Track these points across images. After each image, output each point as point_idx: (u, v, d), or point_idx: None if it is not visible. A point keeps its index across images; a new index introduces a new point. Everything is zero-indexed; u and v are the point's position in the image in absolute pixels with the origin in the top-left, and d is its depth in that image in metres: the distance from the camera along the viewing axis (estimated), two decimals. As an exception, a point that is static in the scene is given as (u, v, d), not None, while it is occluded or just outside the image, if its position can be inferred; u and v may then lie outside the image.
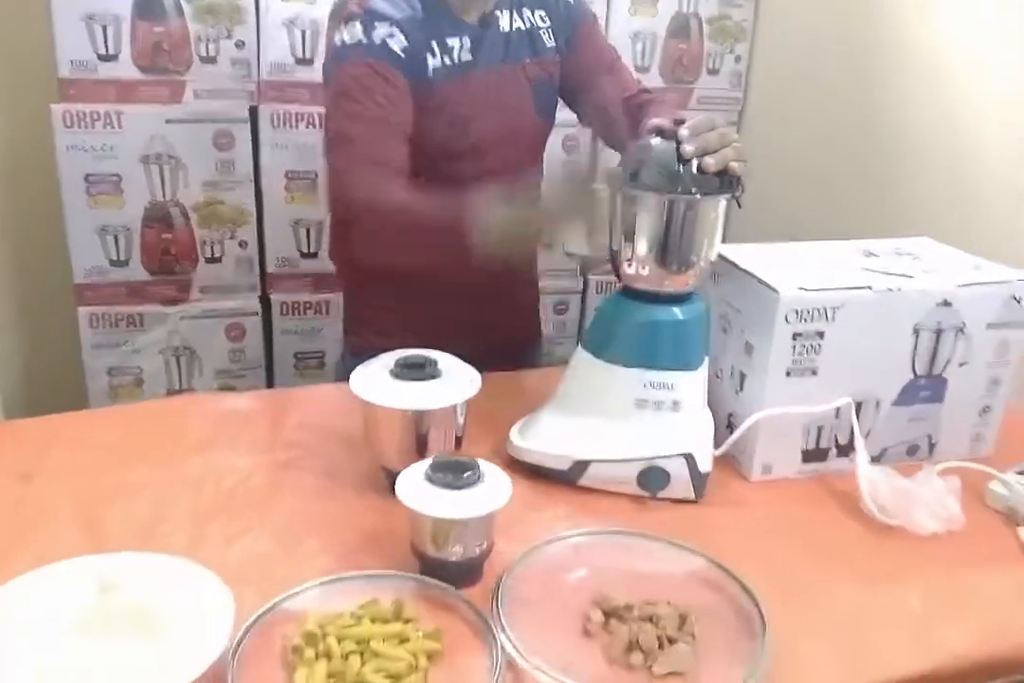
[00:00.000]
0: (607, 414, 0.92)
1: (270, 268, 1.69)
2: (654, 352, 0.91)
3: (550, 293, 1.78)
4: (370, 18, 1.07)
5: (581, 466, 0.93)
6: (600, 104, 1.22)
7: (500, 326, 1.26)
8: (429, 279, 1.14)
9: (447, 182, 1.06)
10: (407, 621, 0.70)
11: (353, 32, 1.07)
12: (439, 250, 1.01)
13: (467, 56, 1.13)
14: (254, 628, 0.68)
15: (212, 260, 1.65)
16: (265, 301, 1.71)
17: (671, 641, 0.69)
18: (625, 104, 1.22)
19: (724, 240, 1.03)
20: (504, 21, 1.18)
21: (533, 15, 1.21)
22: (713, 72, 1.85)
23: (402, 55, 1.06)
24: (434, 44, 1.10)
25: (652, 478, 0.91)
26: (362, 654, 0.66)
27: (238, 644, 0.66)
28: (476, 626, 0.71)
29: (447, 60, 1.11)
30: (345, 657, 0.65)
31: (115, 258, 1.59)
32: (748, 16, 1.82)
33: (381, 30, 1.06)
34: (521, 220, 0.97)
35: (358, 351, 1.17)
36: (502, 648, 0.67)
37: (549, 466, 0.94)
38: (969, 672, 0.73)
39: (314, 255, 1.69)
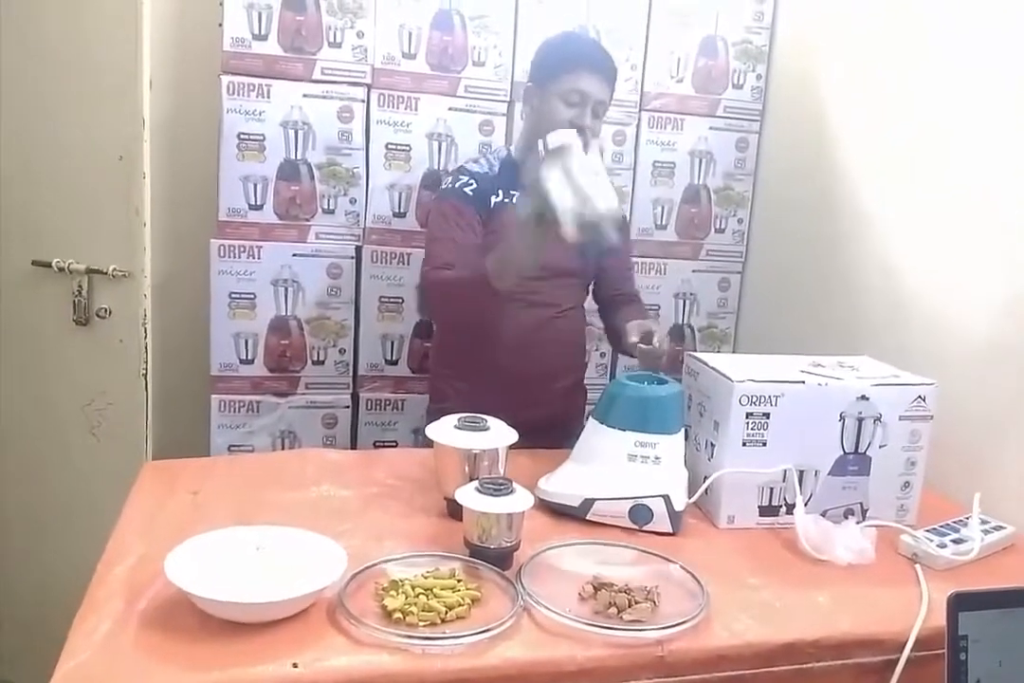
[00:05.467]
0: (608, 465, 1.25)
1: (361, 371, 2.01)
2: (642, 420, 1.24)
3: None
4: (457, 173, 1.66)
5: (588, 503, 1.24)
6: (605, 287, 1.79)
7: (545, 410, 1.64)
8: (493, 371, 1.56)
9: None
10: (458, 580, 1.02)
11: (447, 181, 1.66)
12: (478, 299, 1.48)
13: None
14: (357, 576, 1.01)
15: (317, 362, 1.98)
16: (355, 397, 2.01)
17: (638, 602, 1.00)
18: (620, 296, 1.80)
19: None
20: None
21: None
22: (720, 231, 2.16)
23: (471, 195, 1.61)
24: (500, 191, 1.63)
25: (639, 513, 1.23)
26: (427, 594, 0.99)
27: (346, 585, 0.99)
28: (505, 588, 1.02)
29: (507, 199, 1.63)
30: (416, 595, 0.98)
31: (244, 357, 1.93)
32: (747, 188, 2.17)
33: (462, 180, 1.63)
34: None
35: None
36: (521, 597, 0.99)
37: (566, 503, 1.26)
38: (850, 645, 1.00)
39: (396, 362, 2.02)
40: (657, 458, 1.23)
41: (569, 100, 1.57)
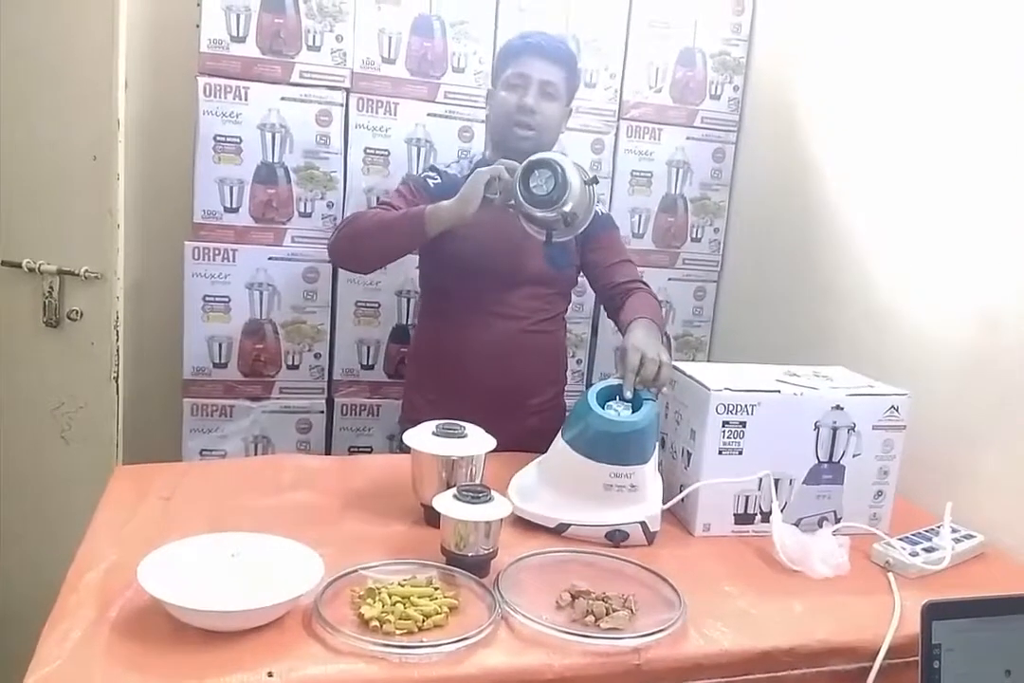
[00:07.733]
0: (583, 492, 1.24)
1: (336, 376, 2.00)
2: (617, 454, 1.22)
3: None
4: (429, 168, 1.70)
5: (564, 526, 1.23)
6: (600, 285, 1.71)
7: (519, 427, 1.58)
8: (463, 384, 1.55)
9: (465, 292, 1.60)
10: (435, 588, 1.02)
11: (417, 172, 1.73)
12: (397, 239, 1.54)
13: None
14: (333, 584, 1.00)
15: (292, 367, 1.96)
16: (330, 402, 2.00)
17: (615, 611, 1.00)
18: (616, 287, 1.67)
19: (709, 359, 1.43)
20: None
21: None
22: (696, 240, 2.20)
23: (433, 187, 1.62)
24: None
25: (616, 536, 1.22)
26: (404, 603, 0.98)
27: (322, 592, 0.98)
28: (482, 596, 1.02)
29: None
30: (393, 603, 0.98)
31: (217, 361, 1.91)
32: (724, 198, 2.19)
33: (429, 174, 1.68)
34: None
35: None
36: (499, 606, 0.99)
37: (541, 524, 1.24)
38: (825, 653, 1.00)
39: (371, 367, 2.01)
40: (632, 486, 1.22)
41: (511, 84, 1.58)
